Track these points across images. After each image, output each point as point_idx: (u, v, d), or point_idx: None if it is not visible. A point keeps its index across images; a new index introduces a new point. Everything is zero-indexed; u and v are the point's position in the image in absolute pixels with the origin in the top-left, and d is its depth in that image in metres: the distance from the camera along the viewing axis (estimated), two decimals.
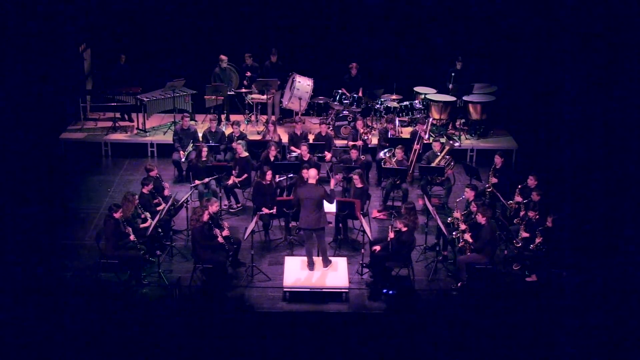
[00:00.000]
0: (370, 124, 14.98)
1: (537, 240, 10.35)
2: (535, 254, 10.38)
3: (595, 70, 13.15)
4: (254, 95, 15.03)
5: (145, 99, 14.52)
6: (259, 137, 14.12)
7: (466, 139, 14.69)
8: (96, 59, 15.58)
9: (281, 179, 12.38)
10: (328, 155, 13.15)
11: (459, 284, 10.39)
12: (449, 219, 11.15)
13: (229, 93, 14.98)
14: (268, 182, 11.62)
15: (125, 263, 10.28)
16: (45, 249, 11.12)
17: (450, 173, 12.63)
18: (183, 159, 13.29)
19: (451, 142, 13.05)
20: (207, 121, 13.97)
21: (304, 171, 11.59)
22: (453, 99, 14.81)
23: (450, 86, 14.97)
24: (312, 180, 10.51)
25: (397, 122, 13.86)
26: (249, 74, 15.13)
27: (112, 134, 14.72)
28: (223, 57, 14.96)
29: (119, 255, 10.21)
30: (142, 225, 10.76)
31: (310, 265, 10.51)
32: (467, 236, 10.45)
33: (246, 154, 12.74)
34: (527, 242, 10.55)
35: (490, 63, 15.65)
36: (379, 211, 12.43)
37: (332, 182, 11.20)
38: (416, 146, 13.13)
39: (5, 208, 11.96)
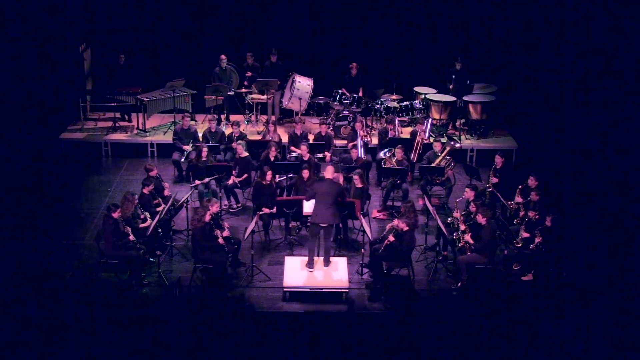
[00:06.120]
0: (370, 124, 14.98)
1: (537, 240, 10.34)
2: (536, 254, 10.37)
3: (595, 70, 13.16)
4: (254, 95, 15.02)
5: (145, 99, 14.51)
6: (259, 137, 14.11)
7: (466, 139, 14.68)
8: (96, 59, 15.57)
9: (281, 179, 12.37)
10: (328, 155, 13.15)
11: (459, 284, 10.38)
12: (449, 219, 11.14)
13: (229, 93, 14.97)
14: (268, 182, 11.61)
15: (125, 263, 10.29)
16: (45, 249, 11.12)
17: (450, 173, 12.63)
18: (187, 151, 13.25)
19: (452, 142, 13.05)
20: (207, 121, 13.97)
21: (304, 171, 11.60)
22: (453, 99, 14.80)
23: (451, 86, 14.97)
24: (329, 176, 10.51)
25: (397, 122, 13.85)
26: (249, 73, 15.13)
27: (112, 134, 14.71)
28: (223, 57, 14.95)
29: (119, 255, 10.22)
30: (141, 225, 10.76)
31: (310, 264, 10.49)
32: (467, 236, 10.45)
33: (246, 154, 12.73)
34: (527, 242, 10.54)
35: (490, 63, 15.64)
36: (379, 211, 12.42)
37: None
38: (419, 138, 13.21)
39: (5, 208, 11.95)
